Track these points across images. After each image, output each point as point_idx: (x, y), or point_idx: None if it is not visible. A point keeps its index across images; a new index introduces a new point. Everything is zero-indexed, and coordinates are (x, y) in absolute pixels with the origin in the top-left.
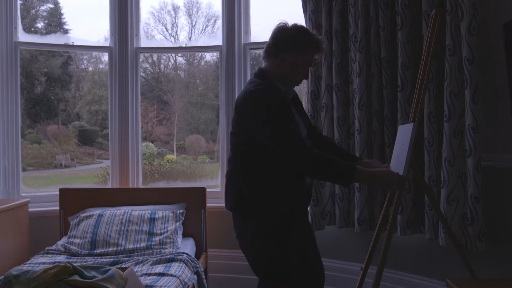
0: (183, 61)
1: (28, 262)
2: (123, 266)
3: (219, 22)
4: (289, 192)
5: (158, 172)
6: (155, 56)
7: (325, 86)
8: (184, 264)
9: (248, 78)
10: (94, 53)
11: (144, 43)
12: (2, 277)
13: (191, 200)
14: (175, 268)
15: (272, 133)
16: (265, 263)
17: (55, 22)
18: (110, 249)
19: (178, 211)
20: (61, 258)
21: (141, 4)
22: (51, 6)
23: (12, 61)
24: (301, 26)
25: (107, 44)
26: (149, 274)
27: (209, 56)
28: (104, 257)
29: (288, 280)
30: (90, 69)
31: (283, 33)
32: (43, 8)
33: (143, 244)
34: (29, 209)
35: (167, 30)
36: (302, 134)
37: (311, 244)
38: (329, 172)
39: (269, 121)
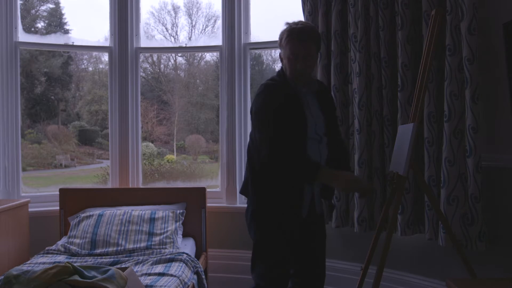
0: (183, 61)
1: (28, 262)
2: (123, 266)
3: (219, 22)
4: (280, 186)
5: (158, 172)
6: (155, 56)
7: None
8: (184, 264)
9: (248, 78)
10: (94, 53)
11: (144, 43)
12: (2, 277)
13: (191, 200)
14: (175, 268)
15: (255, 127)
16: (254, 245)
17: (55, 22)
18: (110, 249)
19: (178, 211)
20: (61, 258)
21: (141, 4)
22: (51, 6)
23: (12, 61)
24: (289, 23)
25: (107, 44)
26: (149, 274)
27: (209, 56)
28: (104, 257)
29: (267, 267)
30: (90, 69)
31: None
32: (43, 8)
33: (143, 244)
34: (29, 209)
35: (167, 30)
36: (307, 128)
37: (306, 240)
38: (293, 170)
39: (256, 115)
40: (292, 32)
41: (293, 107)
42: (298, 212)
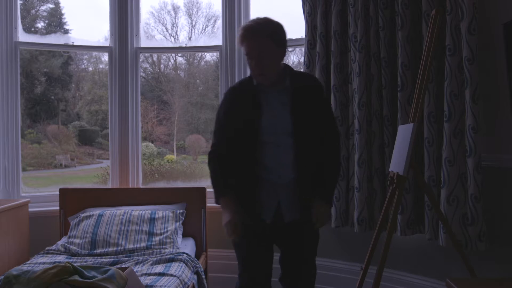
0: (183, 61)
1: (28, 262)
2: (123, 266)
3: (219, 22)
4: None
5: (158, 172)
6: (155, 56)
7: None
8: (184, 264)
9: None
10: (94, 53)
11: (144, 43)
12: (2, 277)
13: (191, 200)
14: (175, 268)
15: None
16: None
17: (55, 22)
18: (110, 249)
19: (178, 211)
20: (61, 258)
21: (141, 4)
22: (51, 6)
23: (12, 61)
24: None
25: (107, 44)
26: (149, 274)
27: (209, 56)
28: (104, 257)
29: (240, 268)
30: (90, 69)
31: None
32: (43, 8)
33: (143, 244)
34: (29, 209)
35: (167, 30)
36: (260, 130)
37: (289, 245)
38: (211, 179)
39: None
40: (241, 31)
41: (249, 108)
42: (256, 217)
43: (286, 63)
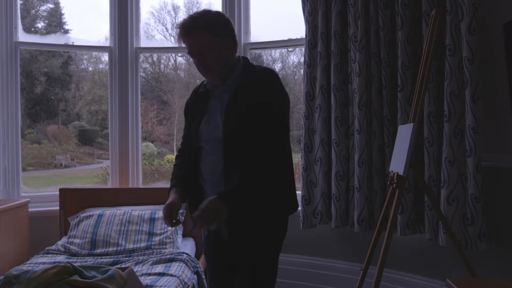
0: (183, 61)
1: (28, 262)
2: (123, 266)
3: None
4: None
5: (158, 172)
6: (155, 56)
7: (320, 87)
8: (184, 264)
9: None
10: (94, 53)
11: (144, 43)
12: (2, 277)
13: None
14: (175, 268)
15: None
16: None
17: (55, 22)
18: (110, 249)
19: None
20: (61, 258)
21: (141, 4)
22: (51, 6)
23: (12, 61)
24: None
25: (107, 44)
26: (149, 274)
27: None
28: (104, 257)
29: None
30: (90, 69)
31: None
32: (43, 8)
33: (143, 244)
34: (29, 209)
35: (167, 30)
36: (199, 134)
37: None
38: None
39: None
40: (177, 29)
41: (195, 111)
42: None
43: (289, 61)
